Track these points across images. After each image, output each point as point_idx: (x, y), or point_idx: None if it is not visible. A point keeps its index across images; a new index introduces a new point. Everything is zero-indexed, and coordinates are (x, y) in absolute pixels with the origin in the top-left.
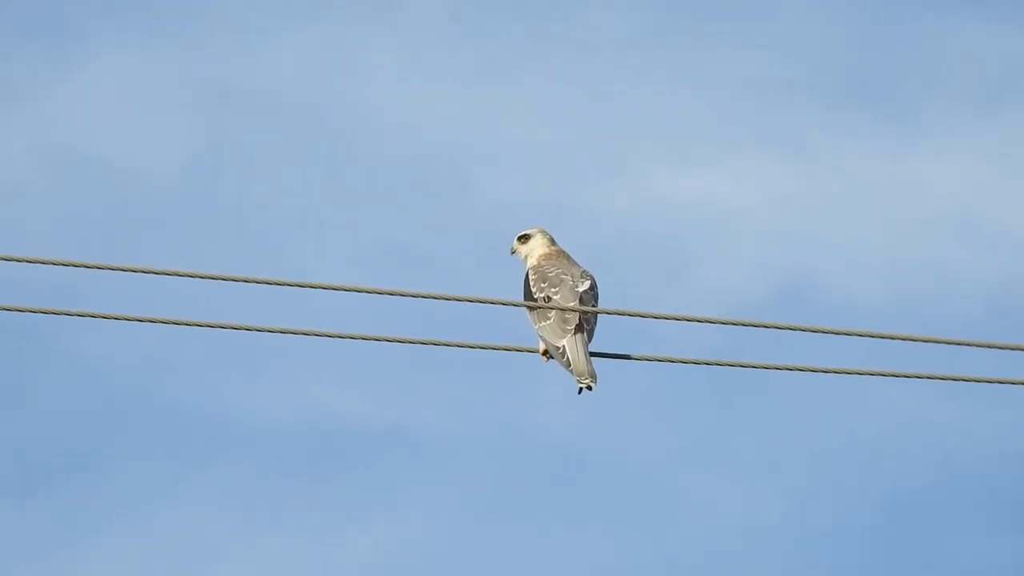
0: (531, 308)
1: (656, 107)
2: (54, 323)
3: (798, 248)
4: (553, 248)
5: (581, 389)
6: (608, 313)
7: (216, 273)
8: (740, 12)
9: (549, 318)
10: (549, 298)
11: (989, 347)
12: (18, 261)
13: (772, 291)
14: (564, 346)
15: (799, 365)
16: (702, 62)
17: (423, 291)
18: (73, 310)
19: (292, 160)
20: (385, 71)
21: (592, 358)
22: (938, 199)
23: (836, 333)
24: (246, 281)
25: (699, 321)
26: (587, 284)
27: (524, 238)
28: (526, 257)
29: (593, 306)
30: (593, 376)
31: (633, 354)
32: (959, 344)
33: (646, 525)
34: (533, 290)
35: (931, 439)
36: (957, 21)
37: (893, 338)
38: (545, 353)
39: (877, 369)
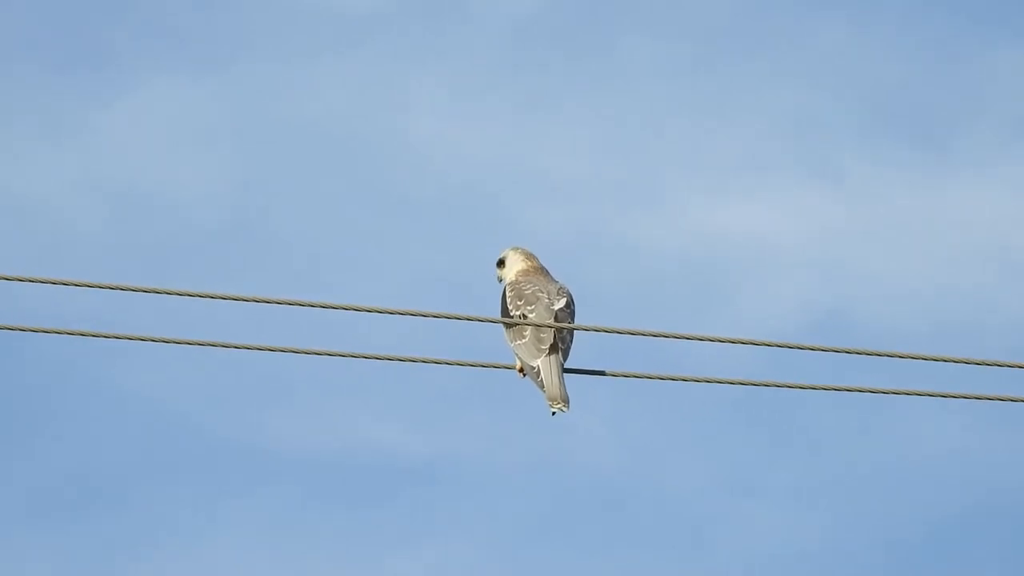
0: (508, 325)
1: (696, 138)
2: (93, 352)
3: (836, 279)
4: (531, 264)
5: (554, 413)
6: (584, 329)
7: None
8: (779, 43)
9: (524, 336)
10: (525, 316)
11: None
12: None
13: (811, 321)
14: (539, 367)
15: (793, 382)
16: (742, 93)
17: (404, 309)
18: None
19: (334, 190)
20: (427, 102)
21: (568, 374)
22: (976, 228)
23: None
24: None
25: (675, 337)
26: (563, 302)
27: (500, 262)
28: (506, 277)
29: (569, 323)
30: (566, 400)
31: (608, 370)
32: (995, 365)
33: (687, 553)
34: (509, 307)
35: (973, 464)
36: (995, 51)
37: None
38: (521, 370)
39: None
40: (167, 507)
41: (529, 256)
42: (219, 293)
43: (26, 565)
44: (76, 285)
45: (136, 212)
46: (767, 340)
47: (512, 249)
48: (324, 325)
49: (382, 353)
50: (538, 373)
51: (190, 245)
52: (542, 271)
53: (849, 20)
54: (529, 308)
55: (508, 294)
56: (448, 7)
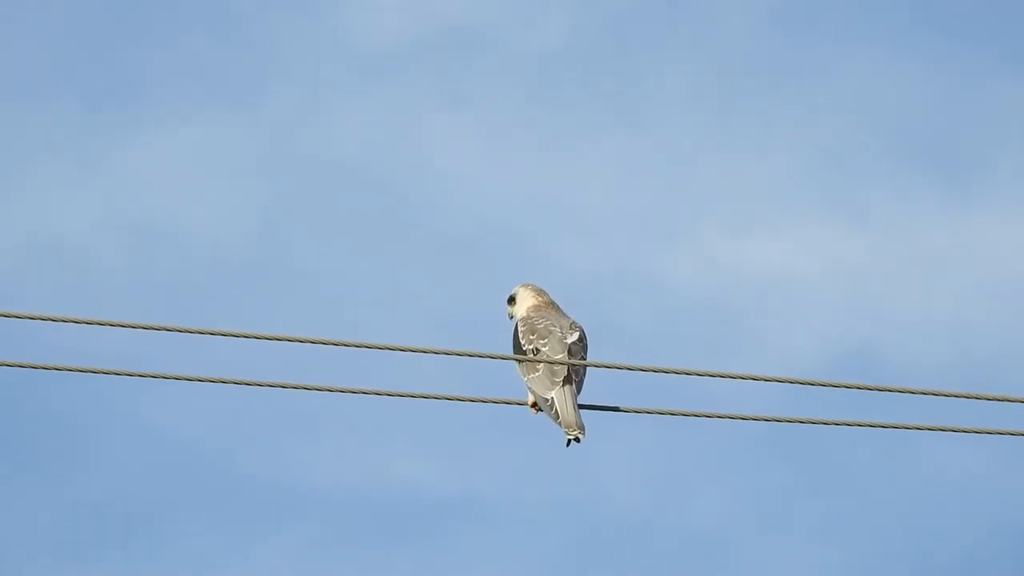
0: (520, 361)
1: (722, 173)
2: (121, 389)
3: (861, 315)
4: (542, 299)
5: (569, 441)
6: (596, 366)
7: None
8: (805, 78)
9: (538, 370)
10: (537, 350)
11: None
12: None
13: (837, 358)
14: (552, 398)
15: (807, 418)
16: (768, 128)
17: (415, 346)
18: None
19: (360, 226)
20: (454, 137)
21: (583, 410)
22: (1001, 264)
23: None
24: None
25: (687, 374)
26: (576, 335)
27: (511, 299)
28: (517, 313)
29: (582, 358)
30: (581, 428)
31: (622, 406)
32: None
33: None
34: (522, 342)
35: (997, 498)
36: (1020, 87)
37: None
38: (534, 405)
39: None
40: (196, 544)
41: (539, 292)
42: (241, 332)
43: None
44: (101, 324)
45: (162, 248)
46: (780, 376)
47: (522, 286)
48: (345, 362)
49: (393, 390)
50: (552, 405)
51: (216, 281)
52: (553, 306)
53: (875, 55)
54: (542, 342)
55: (520, 329)
56: (476, 42)
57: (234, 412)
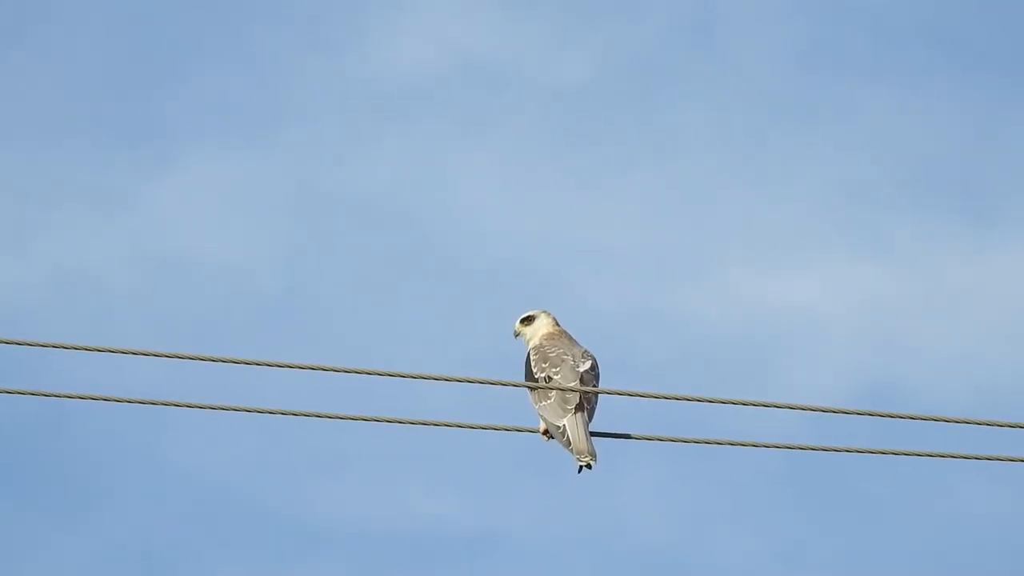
0: (532, 388)
1: (745, 209)
2: (142, 425)
3: (884, 350)
4: (556, 328)
5: (581, 468)
6: (608, 393)
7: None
8: (829, 114)
9: (550, 398)
10: (550, 378)
11: None
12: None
13: (859, 393)
14: (565, 425)
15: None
16: (791, 164)
17: (426, 373)
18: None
19: (383, 262)
20: (477, 173)
21: (593, 437)
22: None
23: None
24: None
25: (699, 401)
26: (588, 364)
27: (528, 320)
28: (529, 339)
29: (594, 386)
30: (593, 455)
31: (633, 433)
32: None
33: None
34: (534, 370)
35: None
36: None
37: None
38: (546, 432)
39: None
40: None
41: (556, 322)
42: (259, 360)
43: None
44: (122, 352)
45: (186, 284)
46: (790, 403)
47: (544, 312)
48: (359, 392)
49: (403, 418)
50: (564, 432)
51: (239, 317)
52: (566, 336)
53: (897, 92)
54: (554, 370)
55: (533, 357)
56: (499, 78)
57: (255, 449)
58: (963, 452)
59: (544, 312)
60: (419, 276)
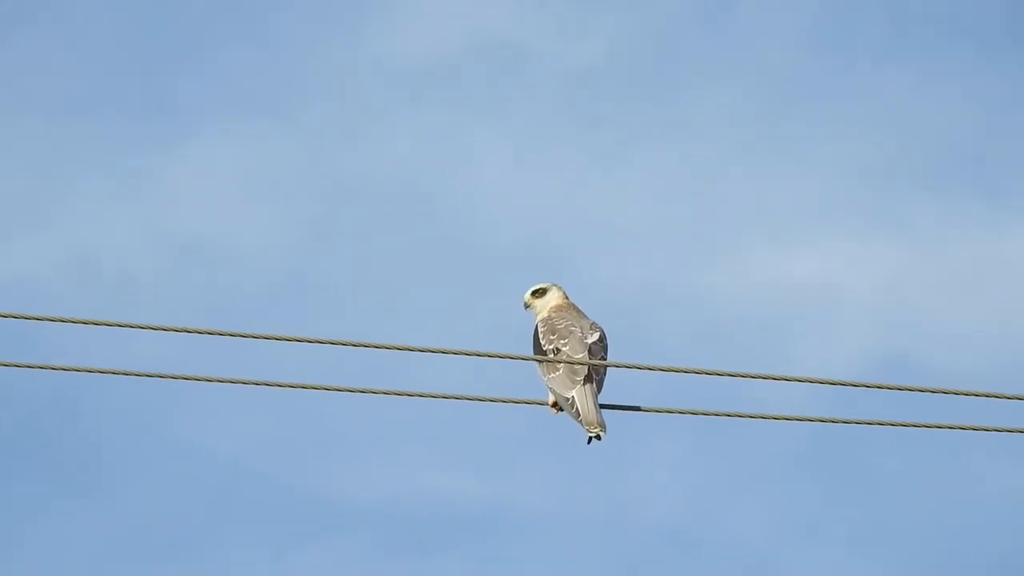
0: (540, 361)
1: (761, 187)
2: (156, 403)
3: (900, 327)
4: (565, 302)
5: (590, 439)
6: (616, 366)
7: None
8: (844, 93)
9: (558, 370)
10: (558, 350)
11: None
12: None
13: (872, 370)
14: (573, 396)
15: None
16: (806, 143)
17: (435, 347)
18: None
19: (399, 241)
20: (491, 153)
21: (602, 409)
22: None
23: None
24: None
25: (709, 374)
26: (596, 336)
27: (540, 292)
28: (538, 311)
29: (602, 358)
30: (602, 425)
31: (643, 405)
32: None
33: None
34: (542, 342)
35: None
36: None
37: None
38: (555, 405)
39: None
40: (232, 558)
41: (566, 296)
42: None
43: None
44: (136, 327)
45: (201, 260)
46: (796, 376)
47: (555, 285)
48: (369, 366)
49: (413, 391)
50: (573, 403)
51: (254, 294)
52: (575, 308)
53: (914, 70)
54: (562, 342)
55: (540, 329)
56: (513, 58)
57: (268, 426)
58: (979, 424)
59: (555, 285)
60: (434, 254)
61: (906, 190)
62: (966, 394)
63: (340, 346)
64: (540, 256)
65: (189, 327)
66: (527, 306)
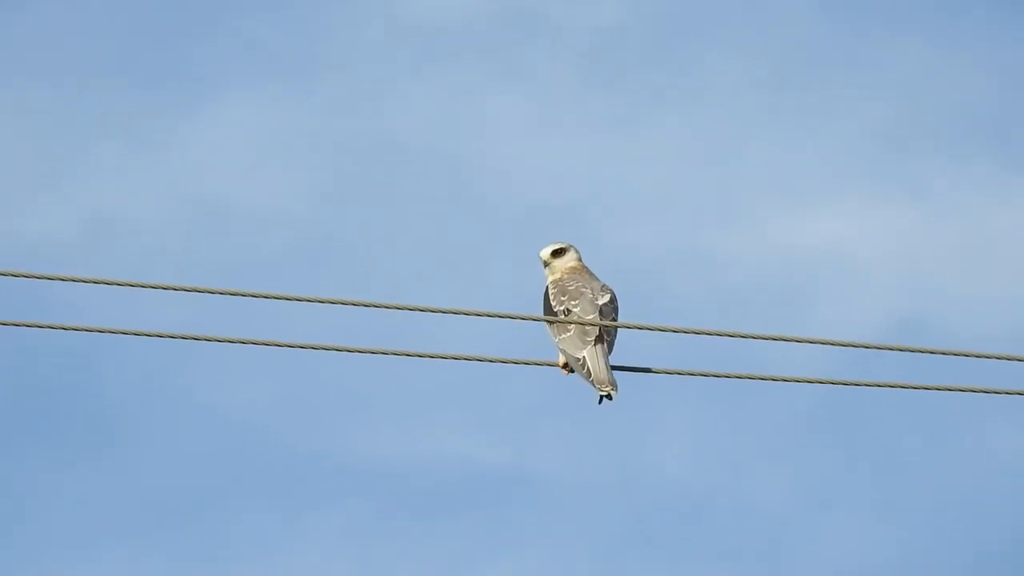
0: (551, 322)
1: (778, 152)
2: (170, 365)
3: (916, 291)
4: (579, 264)
5: (601, 398)
6: (627, 327)
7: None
8: (861, 57)
9: (569, 331)
10: (569, 311)
11: None
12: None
13: (889, 334)
14: (584, 357)
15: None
16: (823, 107)
17: (446, 307)
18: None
19: (416, 205)
20: (508, 117)
21: (613, 371)
22: None
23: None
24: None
25: (719, 335)
26: (607, 297)
27: (559, 252)
28: (552, 272)
29: (613, 319)
30: (614, 384)
31: (653, 367)
32: None
33: (767, 567)
34: (553, 303)
35: None
36: None
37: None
38: (565, 366)
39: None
40: (249, 520)
41: (580, 258)
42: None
43: None
44: (152, 287)
45: (219, 226)
46: (807, 337)
47: (573, 246)
48: (383, 329)
49: (424, 352)
50: (584, 364)
51: (272, 259)
52: (587, 271)
53: (930, 34)
54: (573, 303)
55: (551, 291)
56: (529, 22)
57: (282, 388)
58: (995, 387)
59: (572, 247)
60: (452, 217)
61: (922, 155)
62: (982, 356)
63: (350, 306)
64: (558, 220)
65: (204, 287)
66: (545, 264)
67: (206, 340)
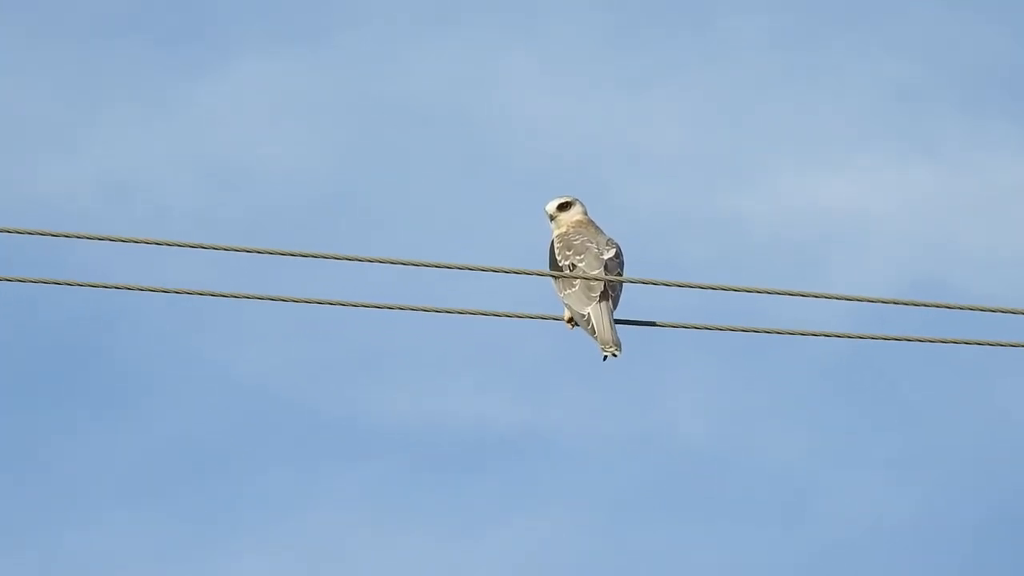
0: (556, 277)
1: (793, 111)
2: (187, 327)
3: (932, 252)
4: (585, 218)
5: (606, 357)
6: (632, 282)
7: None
8: (878, 17)
9: (574, 286)
10: (574, 266)
11: None
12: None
13: (903, 292)
14: (589, 314)
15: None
16: (839, 67)
17: (450, 262)
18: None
19: (432, 165)
20: (523, 77)
21: (618, 326)
22: None
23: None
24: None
25: (724, 290)
26: (612, 252)
27: (565, 206)
28: (558, 225)
29: (619, 274)
30: (618, 344)
31: (659, 320)
32: None
33: (783, 524)
34: (558, 258)
35: None
36: None
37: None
38: (570, 321)
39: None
40: (265, 482)
41: (586, 212)
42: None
43: (123, 540)
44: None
45: (234, 186)
46: (814, 292)
47: (578, 200)
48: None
49: (428, 305)
50: (588, 320)
51: (289, 219)
52: (593, 225)
53: None
54: (578, 258)
55: (556, 245)
56: None
57: (303, 353)
58: (1013, 340)
59: (578, 200)
60: (468, 177)
61: (938, 113)
62: (999, 311)
63: (356, 263)
64: (572, 178)
65: (219, 244)
66: (551, 218)
67: (220, 296)
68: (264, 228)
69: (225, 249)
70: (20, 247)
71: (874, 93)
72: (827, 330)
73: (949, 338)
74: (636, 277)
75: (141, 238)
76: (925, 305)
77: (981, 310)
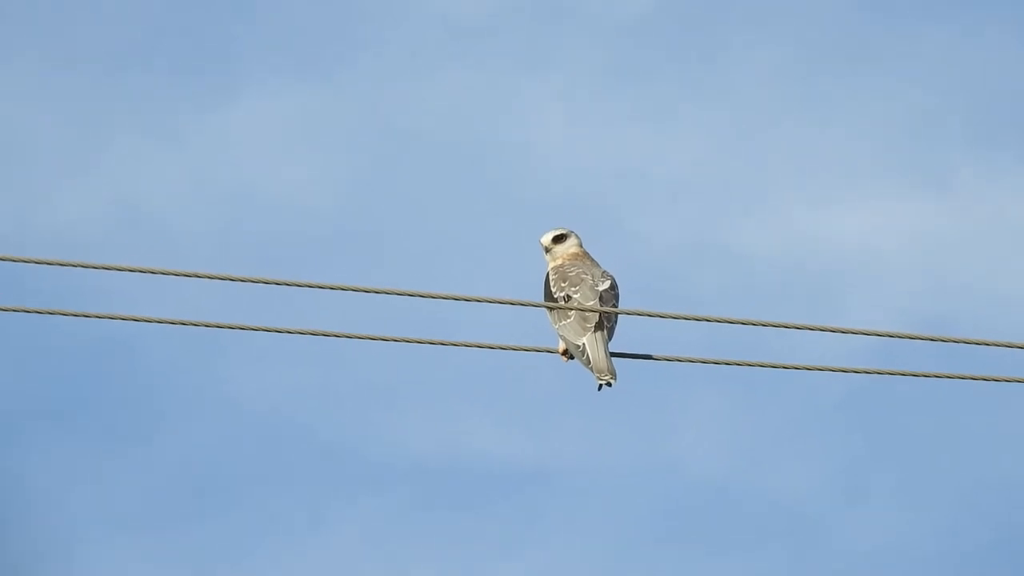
0: (551, 308)
1: (804, 143)
2: (199, 355)
3: (942, 286)
4: (580, 250)
5: (601, 386)
6: (627, 313)
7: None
8: (889, 49)
9: (569, 317)
10: (569, 297)
11: None
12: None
13: (913, 327)
14: (584, 344)
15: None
16: (850, 99)
17: (446, 293)
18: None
19: (446, 195)
20: (538, 106)
21: (614, 358)
22: None
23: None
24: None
25: (715, 321)
26: (607, 283)
27: (560, 238)
28: (553, 258)
29: (613, 305)
30: (613, 373)
31: (655, 354)
32: None
33: (793, 558)
34: (553, 289)
35: None
36: None
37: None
38: (565, 353)
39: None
40: (274, 512)
41: (581, 244)
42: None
43: (135, 566)
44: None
45: (247, 215)
46: (817, 325)
47: (573, 232)
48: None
49: (424, 338)
50: (583, 351)
51: (301, 248)
52: (588, 257)
53: (959, 26)
54: (573, 289)
55: (552, 277)
56: (559, 11)
57: (315, 382)
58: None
59: (573, 233)
60: (479, 206)
61: (950, 147)
62: (1009, 346)
63: (365, 293)
64: (583, 208)
65: (233, 275)
66: (546, 250)
67: (231, 328)
68: (276, 257)
69: (240, 280)
70: (34, 274)
71: (884, 126)
72: (832, 365)
73: (958, 374)
74: (631, 309)
75: (158, 268)
76: (932, 340)
77: (990, 344)
